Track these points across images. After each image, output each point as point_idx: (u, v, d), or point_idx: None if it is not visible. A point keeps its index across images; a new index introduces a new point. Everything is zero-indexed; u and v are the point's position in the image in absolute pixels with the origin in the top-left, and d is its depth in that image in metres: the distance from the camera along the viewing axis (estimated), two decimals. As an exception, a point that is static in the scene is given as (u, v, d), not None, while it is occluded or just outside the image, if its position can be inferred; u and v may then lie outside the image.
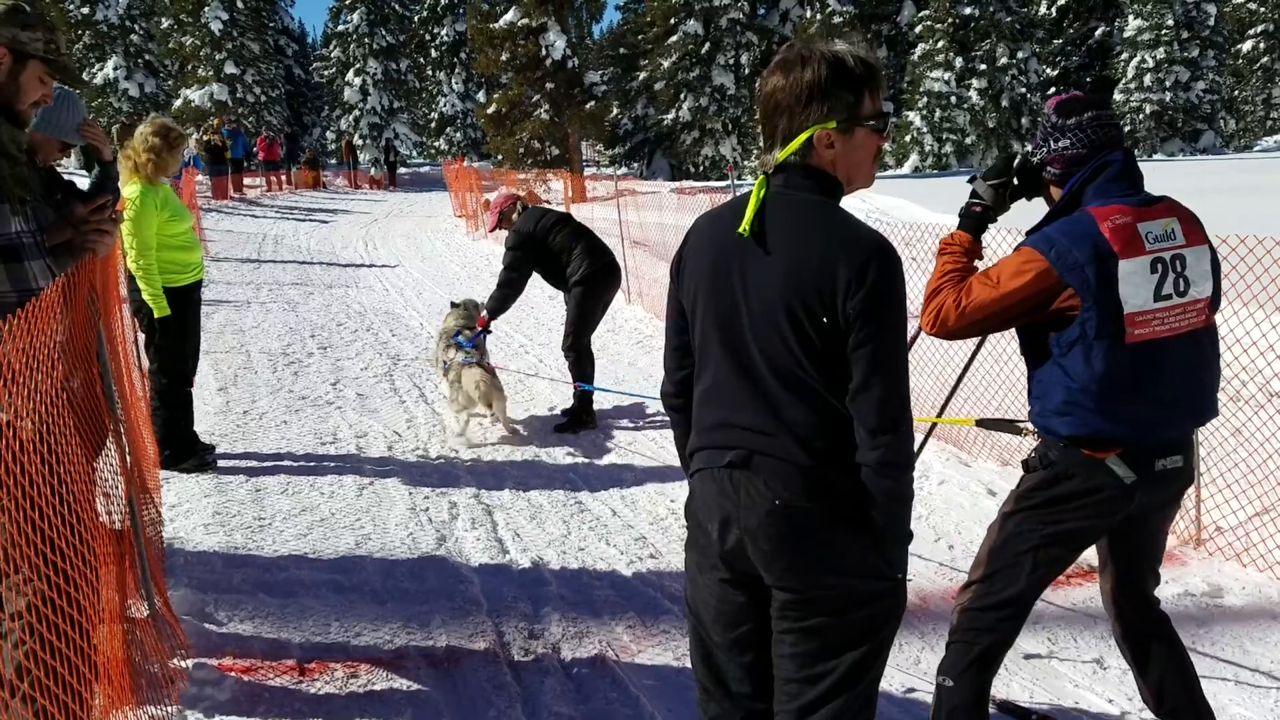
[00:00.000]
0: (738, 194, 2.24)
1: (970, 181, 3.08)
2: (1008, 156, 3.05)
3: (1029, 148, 2.99)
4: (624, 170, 40.40)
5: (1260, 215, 11.35)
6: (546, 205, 11.19)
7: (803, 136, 2.14)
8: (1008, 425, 3.63)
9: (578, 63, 32.08)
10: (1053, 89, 40.00)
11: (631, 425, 7.08)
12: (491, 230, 7.48)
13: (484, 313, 7.07)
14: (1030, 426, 2.95)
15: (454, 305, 7.49)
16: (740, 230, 2.15)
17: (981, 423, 3.90)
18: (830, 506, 2.14)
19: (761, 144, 2.23)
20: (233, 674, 3.51)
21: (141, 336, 5.88)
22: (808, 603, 2.19)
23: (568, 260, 6.92)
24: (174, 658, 3.46)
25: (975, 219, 3.01)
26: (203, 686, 3.39)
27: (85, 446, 2.78)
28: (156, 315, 5.62)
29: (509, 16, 31.41)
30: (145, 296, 5.61)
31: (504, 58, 31.54)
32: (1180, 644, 3.08)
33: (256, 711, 3.30)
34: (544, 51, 31.01)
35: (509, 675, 3.70)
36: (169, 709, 3.18)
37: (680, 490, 5.69)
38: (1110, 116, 2.80)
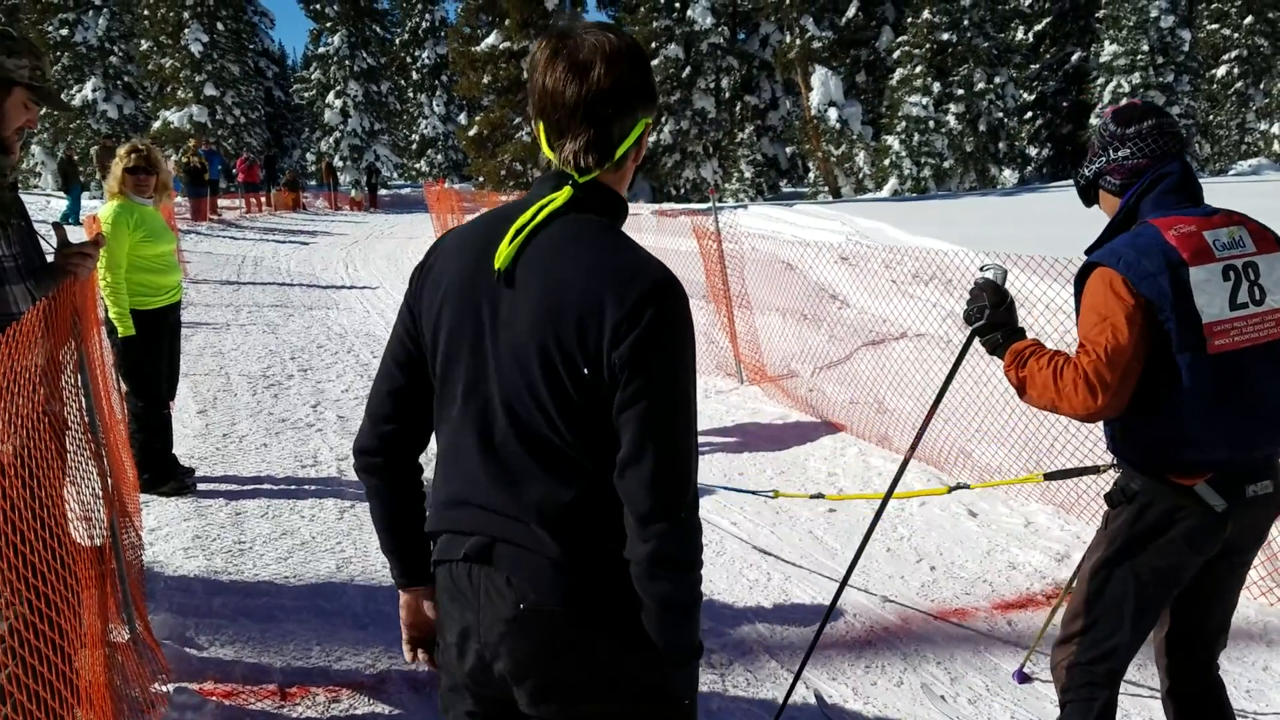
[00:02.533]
0: (506, 204, 1.86)
1: (980, 333, 2.86)
2: (992, 285, 2.87)
3: (1083, 170, 2.80)
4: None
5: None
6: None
7: (635, 134, 1.76)
8: (1082, 470, 3.59)
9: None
10: (1029, 114, 40.44)
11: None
12: None
13: None
14: (1107, 461, 2.79)
15: None
16: (499, 258, 1.72)
17: (1051, 476, 3.81)
18: (591, 611, 1.72)
19: (554, 151, 1.76)
20: (214, 698, 3.48)
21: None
22: None
23: None
24: (155, 682, 3.43)
25: (1014, 335, 2.80)
26: (184, 711, 3.36)
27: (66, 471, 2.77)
28: (120, 334, 5.59)
29: (490, 40, 31.55)
30: (111, 315, 5.57)
31: (485, 80, 31.65)
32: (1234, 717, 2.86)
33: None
34: (526, 74, 31.06)
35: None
36: (149, 734, 3.16)
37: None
38: (1171, 124, 2.66)
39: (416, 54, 51.20)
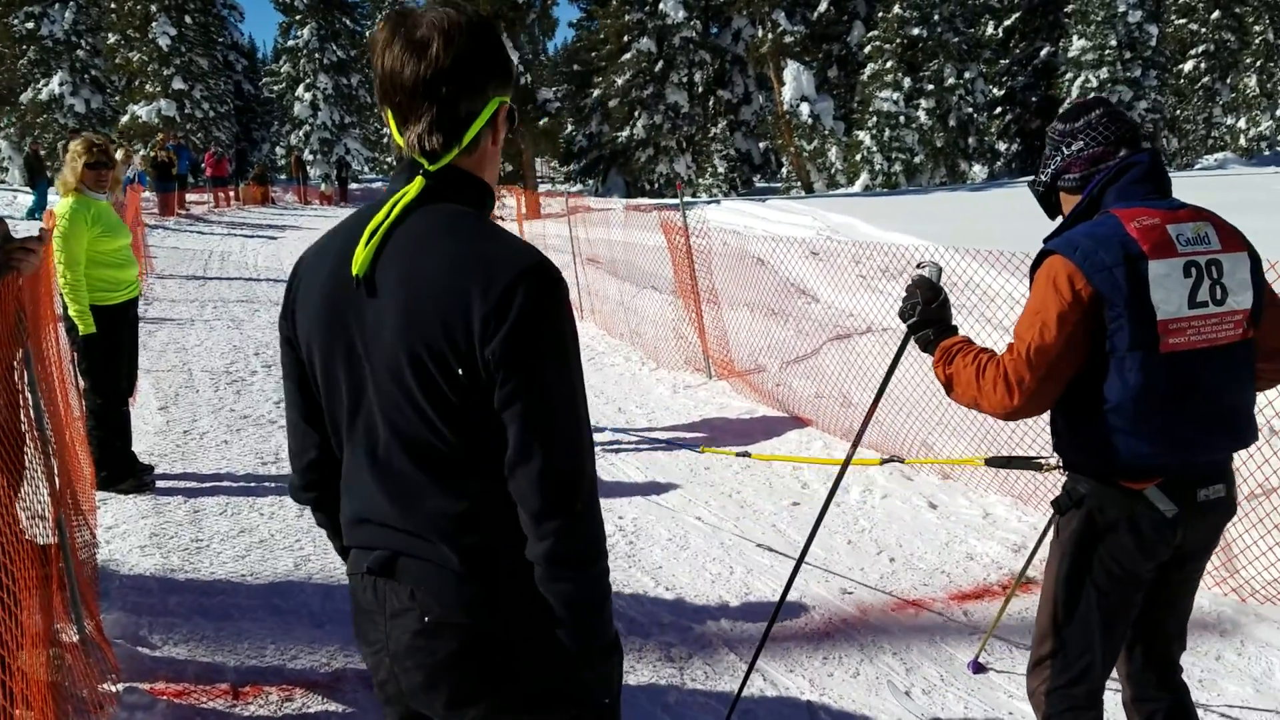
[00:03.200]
0: (366, 204, 1.74)
1: (913, 330, 2.82)
2: (927, 282, 2.83)
3: (1035, 177, 2.73)
4: (579, 187, 40.50)
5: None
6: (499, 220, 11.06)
7: (486, 114, 1.66)
8: (1024, 462, 3.49)
9: (530, 79, 32.13)
10: (999, 109, 40.68)
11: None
12: None
13: None
14: (1053, 461, 2.69)
15: None
16: (356, 264, 1.63)
17: (992, 461, 3.64)
18: (498, 620, 1.67)
19: (402, 137, 1.65)
20: (165, 698, 3.44)
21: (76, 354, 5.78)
22: None
23: None
24: (104, 682, 3.39)
25: (946, 332, 2.75)
26: (133, 711, 3.33)
27: (7, 470, 2.73)
28: (81, 332, 5.53)
29: (461, 33, 31.34)
30: (71, 313, 5.51)
31: (456, 74, 31.46)
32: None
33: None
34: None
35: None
36: (97, 735, 3.12)
37: (630, 506, 5.71)
38: (1120, 112, 2.56)
39: (388, 47, 50.78)
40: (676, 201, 9.08)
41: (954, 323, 2.81)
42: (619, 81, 37.69)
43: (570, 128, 41.74)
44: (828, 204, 24.51)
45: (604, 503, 5.77)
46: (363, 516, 1.74)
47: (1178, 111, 40.41)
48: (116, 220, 5.84)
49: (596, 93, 39.63)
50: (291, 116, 45.93)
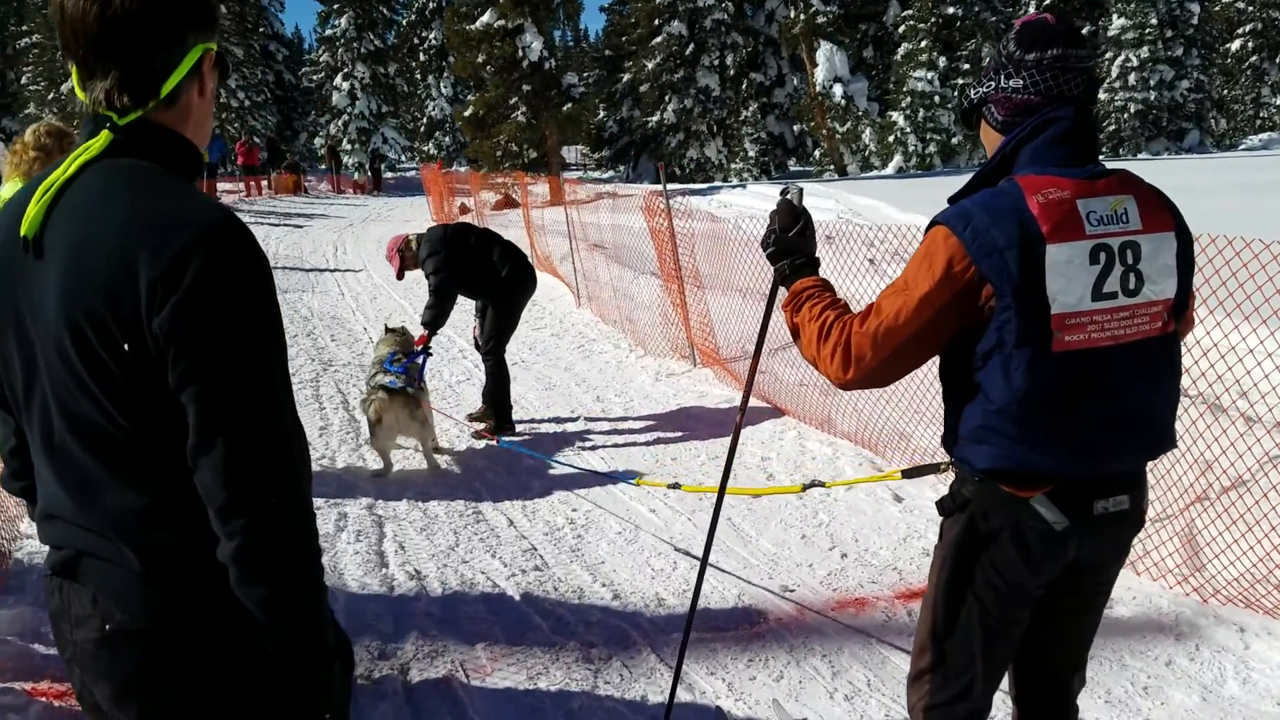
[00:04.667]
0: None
1: (772, 261, 2.52)
2: (786, 206, 2.52)
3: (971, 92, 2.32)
4: (610, 174, 40.25)
5: (1226, 212, 11.19)
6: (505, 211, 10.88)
7: (186, 64, 1.51)
8: (929, 468, 3.28)
9: (555, 64, 31.92)
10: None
11: (552, 433, 6.92)
12: (399, 276, 6.96)
13: (422, 330, 6.53)
14: (949, 460, 2.35)
15: (388, 330, 6.85)
16: (25, 224, 1.46)
17: (908, 473, 3.46)
18: (189, 628, 1.50)
19: (86, 93, 1.50)
20: (43, 699, 3.34)
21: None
22: None
23: (490, 261, 6.73)
24: (-25, 683, 3.31)
25: (804, 267, 2.45)
26: (5, 713, 3.23)
27: None
28: None
29: (485, 18, 31.23)
30: None
31: (480, 59, 31.37)
32: None
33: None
34: (521, 53, 30.86)
35: (343, 698, 3.54)
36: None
37: (585, 498, 5.56)
38: (1081, 59, 2.13)
39: (424, 34, 50.87)
40: (703, 187, 8.88)
41: (817, 254, 2.49)
42: (649, 65, 37.29)
43: (602, 113, 41.51)
44: (855, 186, 24.10)
45: (561, 495, 5.63)
46: (48, 512, 1.59)
47: (1225, 91, 39.35)
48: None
49: (627, 77, 39.34)
50: (329, 106, 46.17)
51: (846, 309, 2.27)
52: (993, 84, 2.21)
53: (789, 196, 2.55)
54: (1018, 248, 1.98)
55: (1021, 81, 2.15)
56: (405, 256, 6.82)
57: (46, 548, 1.63)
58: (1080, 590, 2.31)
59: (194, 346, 1.38)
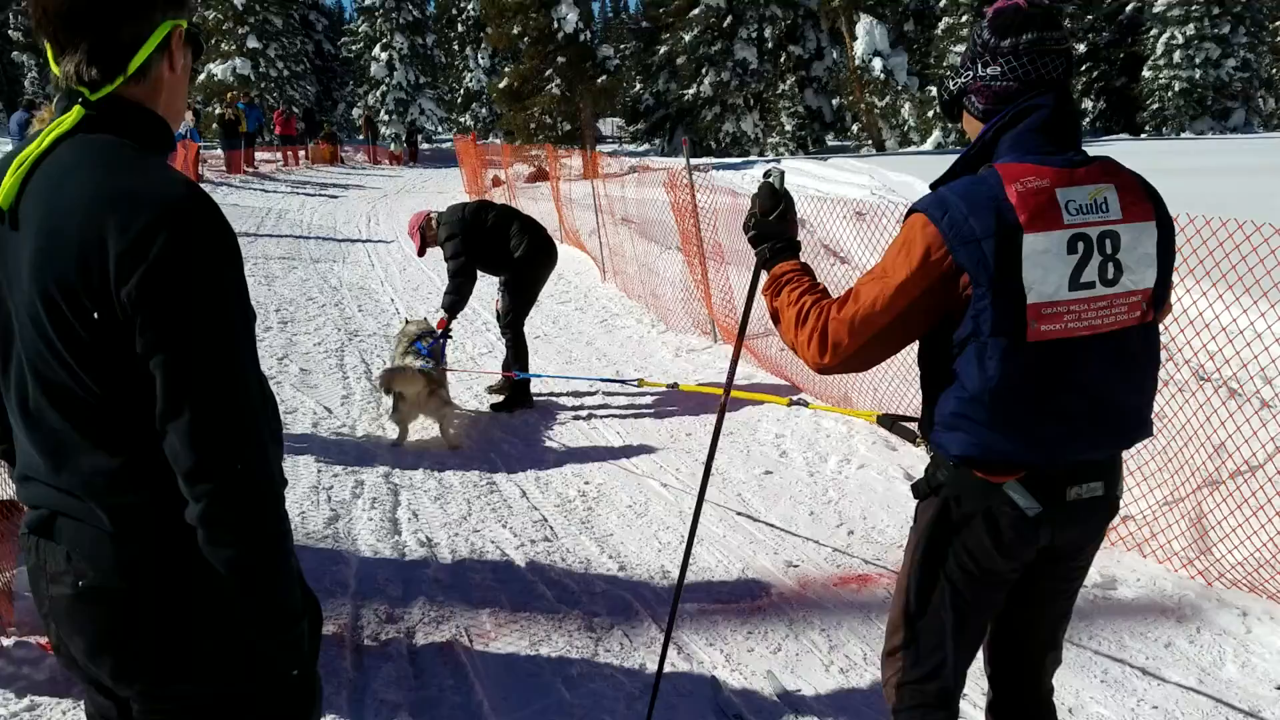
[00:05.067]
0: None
1: (753, 244, 2.53)
2: (767, 189, 2.52)
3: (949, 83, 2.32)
4: (645, 147, 40.12)
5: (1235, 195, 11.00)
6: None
7: (155, 39, 1.56)
8: (906, 428, 3.28)
9: (591, 36, 31.81)
10: (1082, 66, 39.17)
11: (569, 407, 6.98)
12: (420, 253, 7.10)
13: (441, 314, 6.64)
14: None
15: (408, 323, 6.86)
16: (0, 196, 1.54)
17: (883, 419, 3.45)
18: (159, 586, 1.58)
19: (58, 67, 1.57)
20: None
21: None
22: (162, 714, 1.68)
23: (507, 239, 6.79)
24: (-6, 637, 3.42)
25: (783, 251, 2.45)
26: (20, 665, 3.35)
27: None
28: None
29: (522, -11, 31.23)
30: None
31: (516, 31, 31.34)
32: None
33: (71, 693, 3.24)
34: (556, 24, 30.78)
35: (348, 660, 3.63)
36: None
37: (598, 471, 5.63)
38: (1057, 41, 2.11)
39: (462, 5, 50.91)
40: (737, 161, 8.89)
41: (799, 238, 2.50)
42: (686, 38, 37.05)
43: (639, 86, 41.34)
44: (892, 162, 23.93)
45: (574, 467, 5.73)
46: (25, 474, 1.67)
47: (1273, 70, 38.47)
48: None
49: (664, 49, 39.11)
50: (368, 76, 46.32)
51: (825, 294, 2.29)
52: (970, 73, 2.20)
53: (770, 179, 2.56)
54: (995, 237, 1.98)
55: (999, 69, 2.14)
56: (426, 234, 6.92)
57: None
58: (1054, 575, 2.34)
59: (159, 316, 1.45)
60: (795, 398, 4.78)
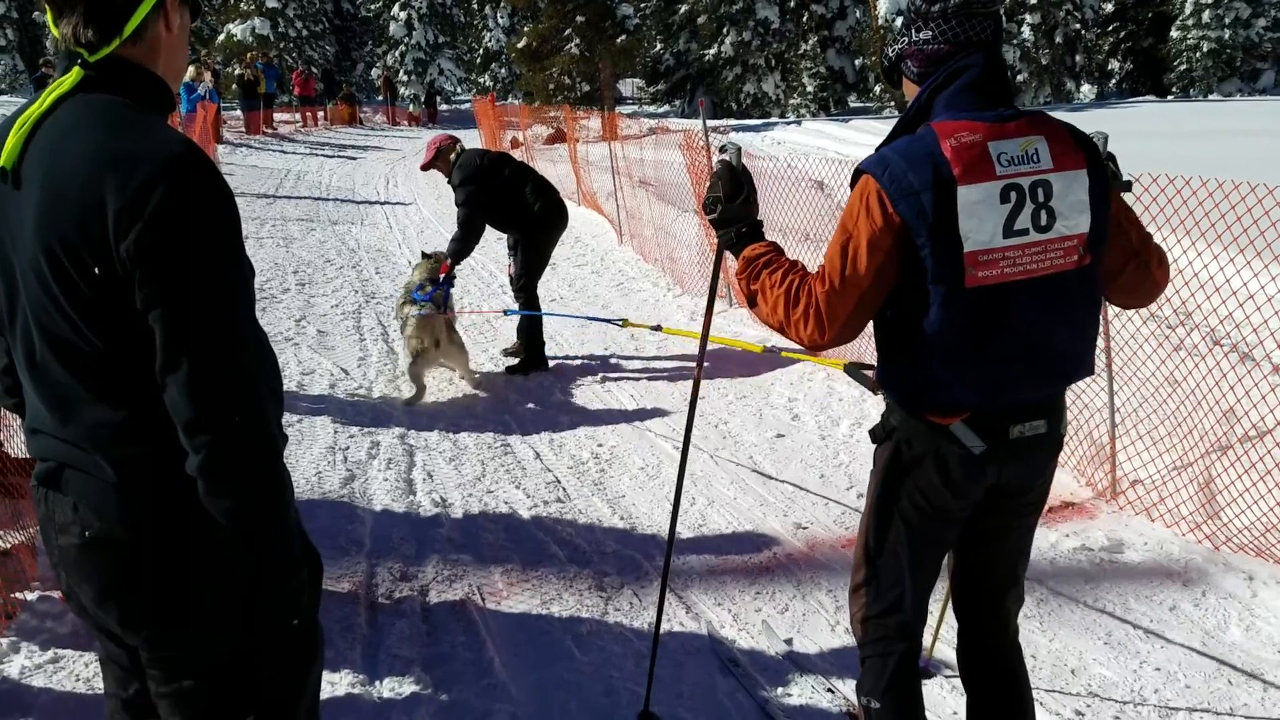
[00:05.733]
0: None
1: (716, 228, 2.52)
2: (728, 170, 2.51)
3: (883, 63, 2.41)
4: (665, 108, 39.81)
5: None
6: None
7: (150, 1, 1.61)
8: (867, 376, 3.24)
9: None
10: (1111, 25, 38.55)
11: (584, 370, 7.03)
12: (425, 167, 6.85)
13: (446, 260, 6.66)
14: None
15: (425, 256, 6.97)
16: (3, 155, 1.58)
17: (850, 368, 3.31)
18: (162, 536, 1.63)
19: (58, 29, 1.61)
20: (82, 608, 3.55)
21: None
22: (168, 662, 1.72)
23: (521, 196, 6.77)
24: (17, 590, 3.51)
25: (749, 235, 2.46)
26: (44, 619, 3.45)
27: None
28: None
29: (542, -52, 30.95)
30: None
31: (535, -11, 31.14)
32: (1027, 687, 2.60)
33: (94, 647, 3.32)
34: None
35: (362, 617, 3.71)
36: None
37: (612, 433, 5.68)
38: (985, 4, 2.21)
39: (481, -36, 50.46)
40: (758, 123, 8.87)
41: (760, 218, 2.52)
42: (708, -3, 36.66)
43: (660, 46, 40.96)
44: (913, 125, 23.56)
45: (588, 430, 5.79)
46: (33, 427, 1.72)
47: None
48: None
49: (684, 8, 38.69)
50: (387, 36, 46.09)
51: (806, 271, 2.34)
52: (905, 39, 2.30)
53: (727, 157, 2.57)
54: (932, 190, 2.09)
55: (930, 33, 2.24)
56: (441, 160, 6.77)
57: None
58: (1004, 511, 2.45)
59: (157, 271, 1.49)
60: (769, 345, 4.84)
